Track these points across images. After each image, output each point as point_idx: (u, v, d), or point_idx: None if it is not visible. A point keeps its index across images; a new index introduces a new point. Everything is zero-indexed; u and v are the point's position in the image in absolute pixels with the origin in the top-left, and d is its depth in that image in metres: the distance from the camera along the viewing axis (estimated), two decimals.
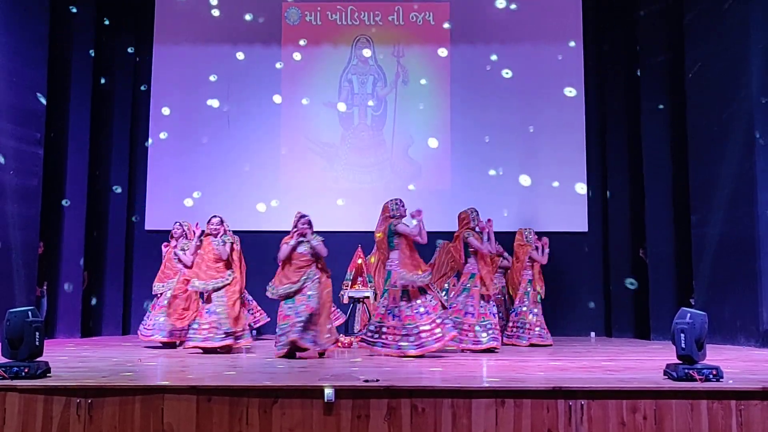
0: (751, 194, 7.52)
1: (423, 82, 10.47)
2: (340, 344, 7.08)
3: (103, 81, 10.01)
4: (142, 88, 10.46)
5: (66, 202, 9.33)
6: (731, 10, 7.94)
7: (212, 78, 10.38)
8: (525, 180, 10.22)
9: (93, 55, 9.65)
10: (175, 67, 10.44)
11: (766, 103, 7.48)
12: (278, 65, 10.50)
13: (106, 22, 10.12)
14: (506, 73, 10.37)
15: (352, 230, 9.80)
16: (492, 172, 10.24)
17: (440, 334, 6.22)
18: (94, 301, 9.77)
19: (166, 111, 10.38)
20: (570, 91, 10.32)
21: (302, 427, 3.89)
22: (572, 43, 10.40)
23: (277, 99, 10.44)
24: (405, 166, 10.39)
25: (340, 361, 6.04)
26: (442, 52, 10.51)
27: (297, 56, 10.50)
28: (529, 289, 8.07)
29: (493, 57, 10.37)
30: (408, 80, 10.53)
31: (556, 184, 10.18)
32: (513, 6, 10.46)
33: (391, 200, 6.66)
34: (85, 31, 9.59)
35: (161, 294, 7.69)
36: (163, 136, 10.35)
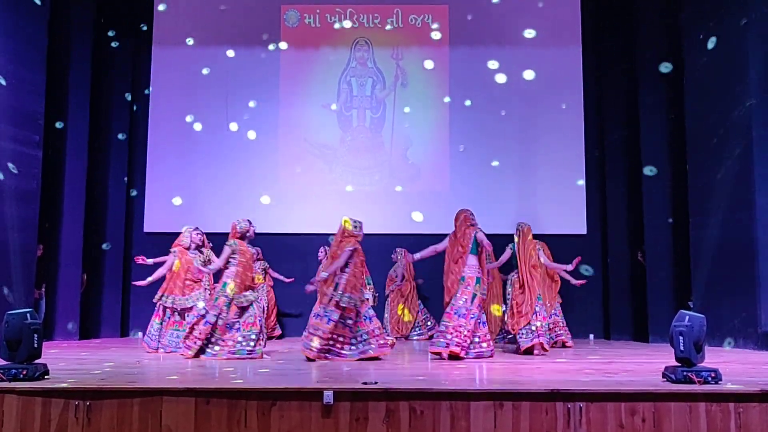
0: (749, 198, 7.52)
1: (422, 84, 10.47)
2: None
3: (101, 83, 9.99)
4: (144, 90, 10.47)
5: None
6: (730, 15, 7.95)
7: (211, 80, 10.37)
8: (524, 181, 10.25)
9: (91, 57, 9.62)
10: (173, 68, 10.42)
11: (764, 107, 7.50)
12: (277, 67, 10.51)
13: (105, 25, 10.11)
14: (505, 76, 10.35)
15: None
16: (490, 175, 10.23)
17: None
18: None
19: (164, 113, 10.37)
20: (569, 94, 10.31)
21: (300, 430, 3.89)
22: (571, 46, 10.39)
23: (276, 101, 10.44)
24: (404, 168, 10.39)
25: (338, 364, 6.04)
26: (441, 54, 10.51)
27: (295, 58, 10.51)
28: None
29: (492, 60, 10.38)
30: (407, 83, 10.54)
31: (554, 186, 10.16)
32: (512, 8, 10.46)
33: (469, 210, 6.83)
34: (83, 33, 9.57)
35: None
36: (162, 138, 10.34)
